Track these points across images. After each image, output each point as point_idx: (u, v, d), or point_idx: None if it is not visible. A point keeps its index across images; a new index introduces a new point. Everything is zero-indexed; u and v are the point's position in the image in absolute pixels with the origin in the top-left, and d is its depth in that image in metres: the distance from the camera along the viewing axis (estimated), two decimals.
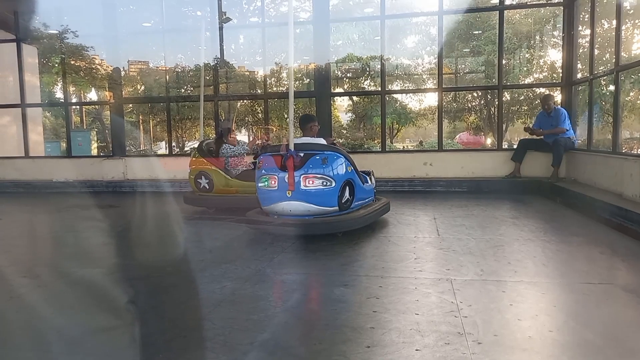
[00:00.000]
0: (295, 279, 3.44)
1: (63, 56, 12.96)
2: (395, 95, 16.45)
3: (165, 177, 9.06)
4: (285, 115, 17.42)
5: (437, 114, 9.41)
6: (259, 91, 15.31)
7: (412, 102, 17.36)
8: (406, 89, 17.57)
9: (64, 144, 13.92)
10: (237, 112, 17.26)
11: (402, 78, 17.33)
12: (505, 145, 9.87)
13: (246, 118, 17.66)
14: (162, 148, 18.52)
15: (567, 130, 7.20)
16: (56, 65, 15.06)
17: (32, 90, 10.85)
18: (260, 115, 16.44)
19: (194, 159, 6.45)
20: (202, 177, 6.28)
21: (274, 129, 16.50)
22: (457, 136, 17.89)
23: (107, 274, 3.55)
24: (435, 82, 9.55)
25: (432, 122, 16.67)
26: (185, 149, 17.31)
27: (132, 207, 7.23)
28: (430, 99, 16.16)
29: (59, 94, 16.34)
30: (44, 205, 7.93)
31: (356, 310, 2.72)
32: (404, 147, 17.77)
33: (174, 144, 13.53)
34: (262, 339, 2.37)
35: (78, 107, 18.59)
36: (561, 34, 8.36)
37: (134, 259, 3.99)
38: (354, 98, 17.64)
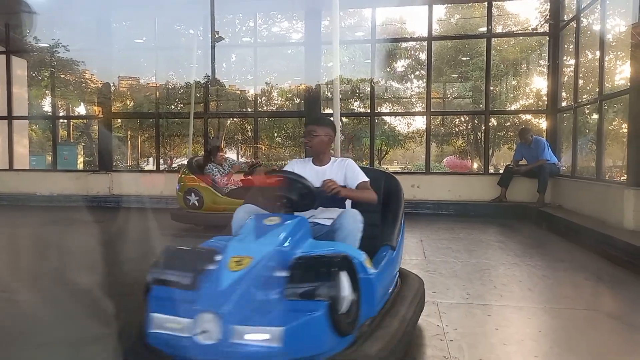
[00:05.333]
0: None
1: (53, 70, 12.92)
2: (384, 118, 16.63)
3: (152, 193, 8.97)
4: (275, 134, 17.49)
5: (425, 137, 9.51)
6: (249, 110, 15.37)
7: (401, 125, 17.55)
8: (395, 111, 17.78)
9: (50, 158, 13.75)
10: (227, 130, 17.27)
11: (391, 101, 17.55)
12: (491, 170, 9.99)
13: (236, 136, 17.66)
14: (149, 164, 18.38)
15: (548, 160, 7.31)
16: (45, 78, 14.97)
17: (20, 102, 10.75)
18: (249, 133, 16.44)
19: (183, 175, 6.42)
20: (192, 193, 6.22)
21: (263, 148, 16.52)
22: (445, 160, 18.07)
23: (79, 290, 3.46)
24: (423, 105, 9.69)
25: (420, 145, 16.83)
26: (173, 165, 17.21)
27: (115, 223, 7.12)
28: (419, 122, 16.36)
29: (47, 107, 16.21)
30: (25, 219, 7.77)
31: None
32: (386, 168, 17.87)
33: (161, 160, 13.42)
34: None
35: (66, 121, 18.45)
36: (547, 62, 8.58)
37: (112, 276, 3.90)
38: (344, 119, 17.79)
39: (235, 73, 17.86)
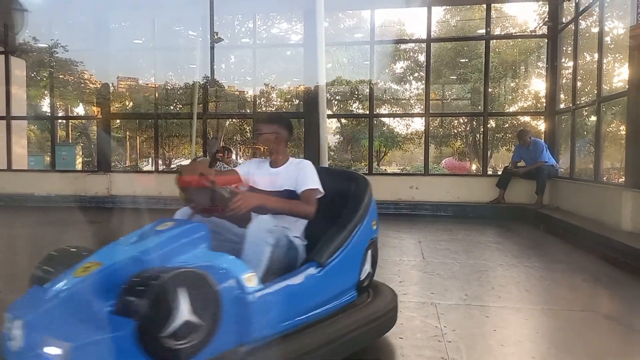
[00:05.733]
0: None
1: (52, 70, 12.91)
2: (382, 119, 16.64)
3: (150, 194, 8.97)
4: None
5: (423, 138, 9.52)
6: (248, 111, 15.37)
7: (400, 127, 17.57)
8: (394, 113, 17.81)
9: (48, 158, 13.74)
10: (226, 131, 17.27)
11: (390, 102, 17.57)
12: (490, 172, 10.00)
13: (234, 137, 17.66)
14: (148, 164, 18.36)
15: (546, 162, 7.33)
16: (44, 78, 14.96)
17: (19, 103, 10.73)
18: (248, 134, 16.45)
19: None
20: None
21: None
22: (443, 161, 18.10)
23: None
24: (422, 107, 9.71)
25: (418, 147, 16.85)
26: (172, 166, 17.20)
27: (112, 224, 7.11)
28: (417, 124, 16.38)
29: (46, 108, 16.19)
30: (22, 219, 7.76)
31: None
32: (385, 169, 17.89)
33: (160, 160, 13.43)
34: None
35: (64, 121, 18.43)
36: (545, 65, 8.60)
37: None
38: (342, 120, 17.82)
39: (234, 74, 17.88)
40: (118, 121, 16.80)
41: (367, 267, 2.45)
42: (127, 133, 19.23)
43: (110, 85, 11.36)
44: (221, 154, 6.54)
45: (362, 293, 2.46)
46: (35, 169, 12.53)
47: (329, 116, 17.17)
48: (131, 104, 17.50)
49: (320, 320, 2.12)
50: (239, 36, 15.77)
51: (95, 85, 14.93)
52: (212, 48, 9.69)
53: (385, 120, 17.10)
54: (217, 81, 13.20)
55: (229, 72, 17.65)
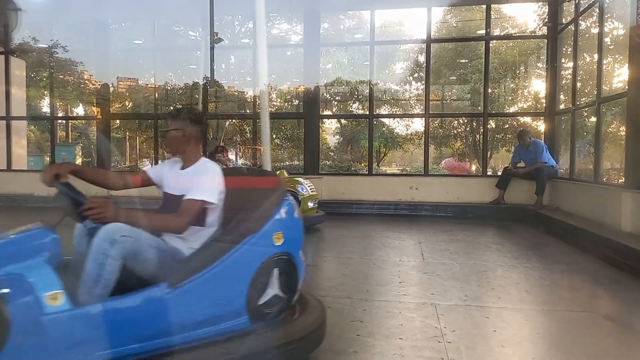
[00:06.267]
0: None
1: (52, 70, 12.90)
2: (382, 120, 16.64)
3: (150, 194, 8.94)
4: (275, 135, 17.50)
5: (423, 139, 9.53)
6: (248, 111, 15.36)
7: (399, 127, 17.54)
8: (394, 113, 17.79)
9: (48, 158, 13.71)
10: (226, 132, 17.26)
11: (390, 103, 17.55)
12: (489, 172, 10.01)
13: (234, 137, 17.65)
14: (147, 165, 18.35)
15: (546, 162, 7.33)
16: (44, 79, 14.95)
17: (19, 103, 10.73)
18: (248, 134, 16.44)
19: None
20: None
21: (262, 149, 16.48)
22: (443, 162, 18.09)
23: None
24: (422, 107, 9.71)
25: (418, 147, 16.83)
26: None
27: None
28: (417, 125, 16.36)
29: (46, 108, 16.17)
30: (21, 220, 7.74)
31: (339, 334, 2.68)
32: (385, 170, 17.89)
33: (160, 160, 13.43)
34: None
35: (64, 121, 18.42)
36: (545, 65, 8.60)
37: None
38: (342, 121, 17.82)
39: (234, 74, 17.87)
40: (118, 121, 16.80)
41: (273, 291, 2.09)
42: (127, 133, 19.20)
43: (110, 85, 11.36)
44: (219, 154, 6.57)
45: (262, 319, 2.08)
46: (35, 169, 12.52)
47: (328, 116, 17.20)
48: (131, 104, 17.49)
49: (186, 347, 1.85)
50: (239, 36, 15.76)
51: (95, 86, 14.92)
52: (212, 48, 9.70)
53: (385, 120, 17.10)
54: (217, 81, 13.19)
55: (229, 72, 17.64)
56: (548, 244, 5.71)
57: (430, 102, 9.06)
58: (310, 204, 6.29)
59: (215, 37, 9.78)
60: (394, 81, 17.53)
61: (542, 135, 8.66)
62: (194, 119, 2.27)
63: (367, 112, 9.56)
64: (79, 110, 18.18)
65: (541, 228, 6.60)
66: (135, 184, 2.43)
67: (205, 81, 10.65)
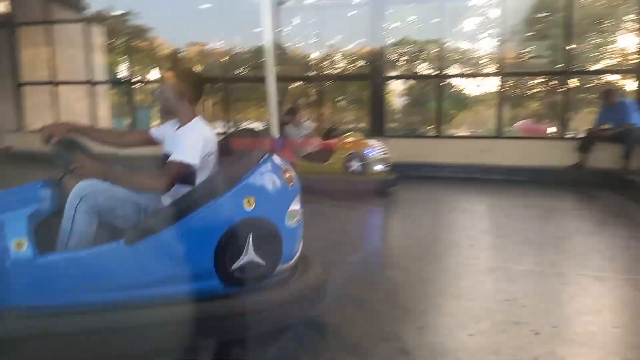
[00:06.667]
0: (343, 259, 3.44)
1: (127, 36, 13.50)
2: (452, 80, 15.95)
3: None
4: (340, 97, 17.36)
5: (496, 99, 9.03)
6: (313, 73, 15.30)
7: (470, 87, 16.74)
8: (464, 73, 16.96)
9: (128, 120, 14.57)
10: (291, 95, 17.36)
11: (460, 62, 16.73)
12: (570, 135, 9.35)
13: (298, 100, 17.73)
14: (217, 128, 18.99)
15: (635, 124, 6.68)
16: (120, 45, 15.71)
17: (99, 69, 11.39)
18: (313, 97, 16.43)
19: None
20: None
21: (327, 112, 16.46)
22: (518, 123, 17.13)
23: None
24: (495, 66, 9.16)
25: (491, 108, 16.04)
26: (240, 128, 17.68)
27: None
28: (490, 84, 15.52)
29: (125, 73, 17.07)
30: None
31: (408, 293, 2.68)
32: (455, 132, 17.25)
33: (230, 123, 13.88)
34: (308, 317, 2.37)
35: (141, 85, 19.36)
36: (636, 16, 7.72)
37: None
38: (409, 82, 17.29)
39: (299, 36, 17.75)
40: None
41: (248, 257, 2.00)
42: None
43: (181, 50, 11.71)
44: (289, 115, 6.54)
45: (238, 284, 2.02)
46: (118, 130, 13.39)
47: (394, 77, 16.74)
48: (201, 68, 18.00)
49: (143, 304, 1.89)
50: None
51: (166, 51, 15.46)
52: (276, 10, 9.66)
53: (455, 80, 16.38)
54: (282, 44, 13.17)
55: (293, 34, 17.54)
56: (636, 211, 5.29)
57: (505, 60, 8.51)
58: (378, 167, 6.04)
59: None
60: (465, 39, 16.61)
61: (632, 95, 7.89)
62: (187, 77, 2.22)
63: (436, 72, 9.18)
64: (154, 75, 18.99)
65: (628, 195, 6.11)
66: (139, 142, 2.44)
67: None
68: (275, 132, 2.87)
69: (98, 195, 1.97)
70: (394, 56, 16.49)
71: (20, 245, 1.83)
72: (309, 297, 2.15)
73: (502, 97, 8.66)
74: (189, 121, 2.19)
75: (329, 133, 6.50)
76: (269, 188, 2.09)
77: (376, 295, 2.69)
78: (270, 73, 3.59)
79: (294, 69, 16.58)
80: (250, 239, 1.99)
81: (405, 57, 16.83)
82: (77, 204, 1.94)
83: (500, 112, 8.48)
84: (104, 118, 11.66)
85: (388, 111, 13.27)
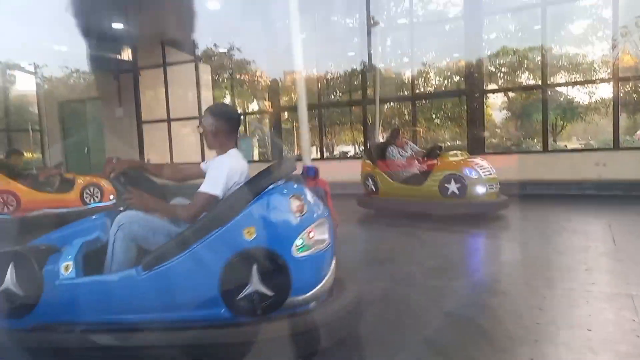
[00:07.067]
0: (447, 284, 3.33)
1: (230, 71, 14.59)
2: (559, 89, 14.86)
3: None
4: (434, 115, 17.02)
5: (611, 107, 8.24)
6: (405, 93, 15.23)
7: (580, 95, 15.43)
8: (572, 80, 15.72)
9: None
10: (384, 115, 17.38)
11: (568, 69, 15.55)
12: None
13: (392, 121, 17.67)
14: (313, 152, 19.56)
15: None
16: (225, 79, 17.00)
17: (207, 103, 12.40)
18: (407, 117, 16.30)
19: (363, 161, 6.61)
20: (369, 179, 6.35)
21: (421, 131, 16.21)
22: (638, 132, 15.39)
23: None
24: (609, 71, 8.39)
25: (605, 117, 14.63)
26: (335, 152, 18.01)
27: None
28: (603, 91, 14.19)
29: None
30: None
31: (517, 321, 2.52)
32: (564, 145, 15.91)
33: (324, 148, 14.25)
34: (416, 340, 2.35)
35: (243, 117, 20.68)
36: None
37: None
38: (510, 94, 16.43)
39: (391, 56, 17.80)
40: (286, 113, 18.23)
41: (254, 287, 2.00)
42: (295, 124, 20.70)
43: (278, 80, 12.36)
44: (393, 137, 6.37)
45: (247, 313, 2.03)
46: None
47: (493, 91, 16.01)
48: (296, 96, 18.78)
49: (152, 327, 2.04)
50: (395, 17, 15.62)
51: (266, 82, 16.39)
52: (368, 34, 9.83)
53: (562, 89, 15.24)
54: (375, 66, 13.32)
55: (386, 55, 17.65)
56: None
57: (620, 64, 7.76)
58: (482, 189, 5.45)
59: (372, 22, 9.88)
60: (572, 43, 15.45)
61: None
62: (219, 115, 2.32)
63: (540, 82, 8.64)
64: (254, 106, 20.21)
65: None
66: (193, 175, 2.55)
67: (362, 66, 10.86)
68: (307, 158, 2.63)
69: (134, 225, 2.17)
70: (492, 68, 15.83)
71: (67, 268, 2.11)
72: (332, 324, 2.09)
73: (618, 104, 7.87)
74: (223, 153, 2.30)
75: (431, 153, 6.10)
76: (271, 218, 2.07)
77: (482, 323, 2.56)
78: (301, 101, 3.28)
79: (387, 89, 16.63)
80: (255, 269, 2.00)
81: (505, 69, 16.06)
82: (116, 233, 2.16)
83: (616, 120, 7.71)
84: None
85: (487, 126, 12.72)
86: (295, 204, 2.10)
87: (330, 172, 9.30)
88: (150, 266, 2.05)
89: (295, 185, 2.23)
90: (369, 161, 6.44)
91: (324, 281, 2.14)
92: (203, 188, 2.16)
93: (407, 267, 3.71)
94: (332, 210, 2.31)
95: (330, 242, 2.19)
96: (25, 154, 8.36)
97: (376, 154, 6.43)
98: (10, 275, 2.12)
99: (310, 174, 2.38)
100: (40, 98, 13.14)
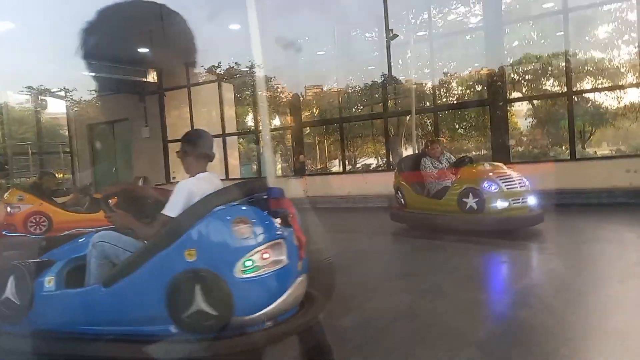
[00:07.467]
0: (476, 296, 3.25)
1: (252, 88, 14.82)
2: (585, 94, 14.52)
3: (340, 194, 9.53)
4: (457, 125, 16.85)
5: None
6: (427, 104, 15.16)
7: (609, 101, 15.03)
8: (599, 86, 15.36)
9: (254, 167, 15.81)
10: (406, 127, 17.31)
11: (594, 74, 15.21)
12: None
13: (416, 132, 17.57)
14: (336, 166, 19.56)
15: None
16: (247, 97, 17.27)
17: (229, 120, 12.62)
18: (429, 127, 16.19)
19: (395, 173, 6.39)
20: (399, 192, 6.13)
21: (444, 141, 16.05)
22: None
23: None
24: (637, 75, 8.17)
25: (635, 122, 14.23)
26: (357, 165, 17.98)
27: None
28: (633, 95, 13.81)
29: (250, 123, 18.62)
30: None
31: (547, 335, 2.44)
32: (594, 152, 15.49)
33: (346, 161, 14.27)
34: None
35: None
36: None
37: None
38: (534, 102, 16.15)
39: (411, 68, 17.78)
40: (308, 128, 18.34)
41: (196, 306, 2.06)
42: (316, 138, 20.79)
43: (300, 95, 12.49)
44: (426, 148, 6.06)
45: (195, 330, 2.10)
46: (246, 178, 14.55)
47: (517, 99, 15.76)
48: (318, 110, 18.89)
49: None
50: (414, 29, 15.63)
51: (287, 97, 16.58)
52: (388, 47, 9.87)
53: (589, 95, 14.90)
54: (395, 78, 13.31)
55: (406, 67, 17.63)
56: None
57: None
58: (504, 203, 4.97)
59: (391, 34, 9.92)
60: (597, 48, 15.12)
61: None
62: (187, 140, 2.50)
63: (565, 89, 8.47)
64: (276, 122, 20.42)
65: None
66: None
67: (383, 79, 10.88)
68: (271, 179, 2.54)
69: (105, 244, 2.38)
70: (515, 76, 15.61)
71: (50, 282, 2.37)
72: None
73: None
74: (193, 176, 2.44)
75: (460, 164, 5.62)
76: (211, 240, 2.14)
77: (510, 338, 2.49)
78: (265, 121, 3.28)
79: (408, 100, 16.57)
80: (198, 289, 2.06)
81: (528, 76, 15.81)
82: (90, 250, 2.37)
83: None
84: (234, 166, 12.78)
85: (512, 134, 12.51)
86: (238, 227, 2.12)
87: (352, 185, 9.30)
88: (109, 282, 2.23)
89: (244, 208, 2.25)
90: (399, 174, 6.19)
91: (279, 301, 2.14)
92: (164, 210, 2.28)
93: (432, 279, 3.65)
94: (298, 231, 2.33)
95: (289, 263, 2.20)
96: (56, 175, 8.64)
97: (406, 166, 6.18)
98: (10, 286, 2.43)
99: (274, 196, 2.31)
100: (70, 121, 13.62)
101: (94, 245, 2.36)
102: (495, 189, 5.03)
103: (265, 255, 2.11)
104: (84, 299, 2.31)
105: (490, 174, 5.22)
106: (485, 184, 5.08)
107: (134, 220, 2.43)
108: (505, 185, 5.07)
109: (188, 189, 2.31)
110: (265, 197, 2.30)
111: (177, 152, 2.52)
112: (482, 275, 3.84)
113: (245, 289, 2.08)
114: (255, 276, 2.10)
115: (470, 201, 5.09)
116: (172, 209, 2.26)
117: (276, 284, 2.16)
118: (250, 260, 2.08)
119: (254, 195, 2.34)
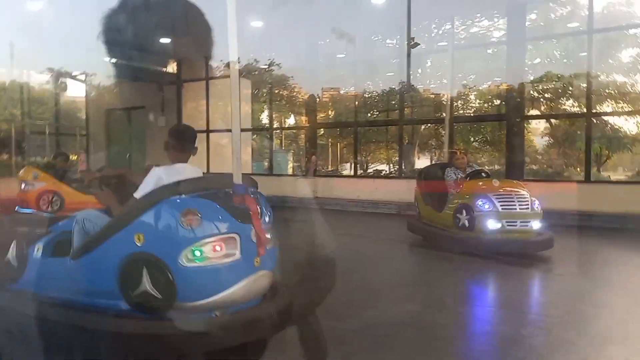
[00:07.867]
0: (476, 312, 3.23)
1: (270, 86, 14.87)
2: (604, 117, 14.34)
3: (349, 197, 9.51)
4: (473, 138, 16.75)
5: None
6: (443, 114, 15.10)
7: (628, 125, 14.83)
8: (619, 110, 15.17)
9: (266, 163, 15.85)
10: (420, 136, 17.23)
11: (614, 98, 15.02)
12: None
13: (429, 142, 17.48)
14: (347, 169, 19.55)
15: None
16: (264, 94, 17.33)
17: (245, 117, 12.67)
18: (444, 138, 16.09)
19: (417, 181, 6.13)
20: (416, 201, 5.94)
21: (458, 152, 15.92)
22: None
23: None
24: None
25: None
26: (368, 170, 17.94)
27: (311, 223, 7.72)
28: None
29: (265, 120, 18.68)
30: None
31: (547, 356, 2.41)
32: (608, 176, 15.27)
33: (358, 166, 14.25)
34: None
35: (279, 131, 20.95)
36: None
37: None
38: (552, 120, 16.00)
39: (430, 78, 17.69)
40: (322, 129, 18.32)
41: (143, 287, 2.20)
42: (330, 140, 20.79)
43: (316, 96, 12.50)
44: (451, 157, 5.86)
45: (144, 310, 2.23)
46: (257, 173, 14.59)
47: (535, 117, 15.62)
48: (333, 112, 18.89)
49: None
50: (436, 39, 15.58)
51: (303, 98, 16.60)
52: (408, 55, 9.85)
53: (609, 118, 14.72)
54: (413, 86, 13.28)
55: (425, 76, 17.56)
56: None
57: None
58: (496, 225, 4.63)
59: (412, 43, 9.90)
60: (620, 72, 14.94)
61: None
62: (170, 133, 2.72)
63: (584, 110, 8.38)
64: (290, 121, 20.44)
65: None
66: None
67: (401, 86, 10.86)
68: (237, 178, 2.66)
69: (86, 221, 2.58)
70: (534, 94, 15.46)
71: (38, 249, 2.65)
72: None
73: None
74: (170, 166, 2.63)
75: (474, 176, 5.32)
76: (158, 227, 2.25)
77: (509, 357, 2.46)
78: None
79: (424, 110, 16.50)
80: (145, 272, 2.19)
81: (549, 94, 15.64)
82: (73, 226, 2.56)
83: None
84: (246, 162, 12.83)
85: (527, 152, 12.39)
86: (185, 217, 2.21)
87: (362, 190, 9.27)
88: (75, 256, 2.46)
89: (197, 200, 2.32)
90: (418, 182, 5.98)
91: (226, 292, 2.22)
92: (135, 193, 2.46)
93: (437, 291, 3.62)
94: (258, 228, 2.40)
95: (242, 257, 2.29)
96: (70, 156, 8.75)
97: (426, 175, 5.94)
98: (10, 251, 2.83)
99: (237, 192, 2.47)
100: (89, 104, 13.78)
101: (77, 221, 2.56)
102: (488, 207, 4.70)
103: (217, 248, 2.21)
104: (57, 269, 2.55)
105: (489, 191, 4.87)
106: (479, 202, 4.73)
107: (114, 201, 2.68)
108: (502, 205, 4.72)
109: (158, 175, 2.46)
110: (229, 193, 2.44)
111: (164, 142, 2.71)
112: (481, 290, 3.80)
113: (189, 277, 2.18)
114: (202, 266, 2.19)
115: (463, 218, 4.78)
116: (140, 192, 2.43)
117: (225, 276, 2.24)
118: (199, 250, 2.18)
119: (218, 190, 2.46)
